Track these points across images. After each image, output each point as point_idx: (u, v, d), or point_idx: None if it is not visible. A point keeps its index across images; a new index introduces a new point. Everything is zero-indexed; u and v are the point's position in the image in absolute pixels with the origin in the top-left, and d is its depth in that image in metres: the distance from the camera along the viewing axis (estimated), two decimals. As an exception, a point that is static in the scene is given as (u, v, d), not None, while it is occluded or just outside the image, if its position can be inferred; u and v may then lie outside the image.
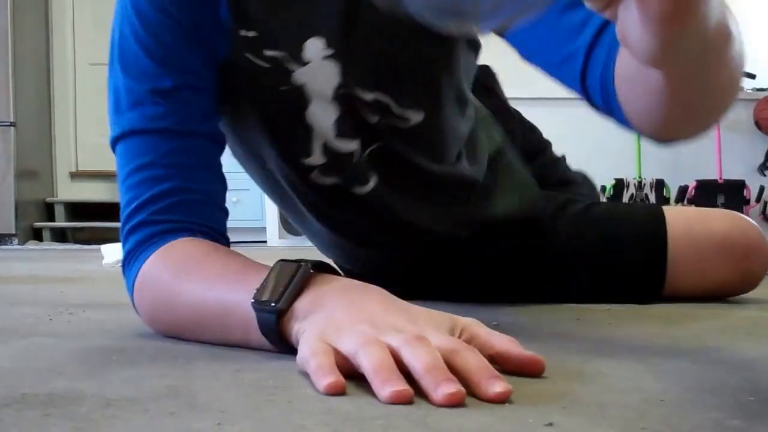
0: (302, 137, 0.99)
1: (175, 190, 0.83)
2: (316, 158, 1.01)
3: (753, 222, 1.20)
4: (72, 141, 5.38)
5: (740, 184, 4.82)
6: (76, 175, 5.42)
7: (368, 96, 0.98)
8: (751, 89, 5.10)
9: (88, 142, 5.31)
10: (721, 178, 4.81)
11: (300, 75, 0.94)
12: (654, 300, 1.16)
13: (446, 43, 0.99)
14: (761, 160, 5.07)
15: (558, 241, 1.18)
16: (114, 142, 0.87)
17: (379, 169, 1.04)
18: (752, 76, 4.72)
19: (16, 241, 4.81)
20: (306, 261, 0.69)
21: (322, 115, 0.97)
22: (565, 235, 1.18)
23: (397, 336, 0.57)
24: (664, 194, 4.83)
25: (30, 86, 5.13)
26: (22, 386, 0.55)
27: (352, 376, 0.55)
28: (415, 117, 1.00)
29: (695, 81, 0.59)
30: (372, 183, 1.04)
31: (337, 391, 0.53)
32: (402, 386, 0.51)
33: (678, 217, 1.19)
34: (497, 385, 0.52)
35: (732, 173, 4.87)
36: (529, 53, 0.78)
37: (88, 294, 1.40)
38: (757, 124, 5.07)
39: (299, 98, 0.95)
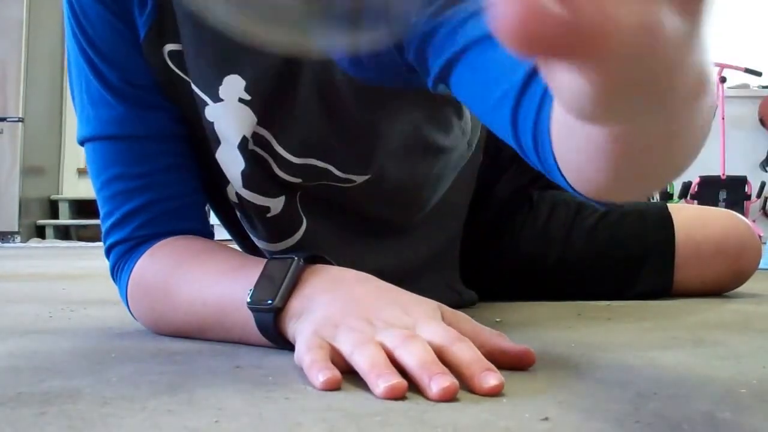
0: (218, 172, 0.90)
1: (151, 203, 0.82)
2: (232, 197, 0.93)
3: (746, 221, 1.25)
4: (82, 137, 5.36)
5: (742, 180, 4.82)
6: (84, 172, 5.40)
7: (296, 160, 0.87)
8: (757, 87, 5.10)
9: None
10: (724, 174, 4.82)
11: (210, 111, 0.84)
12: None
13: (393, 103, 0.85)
14: (764, 156, 5.07)
15: (572, 251, 1.19)
16: (81, 142, 0.85)
17: (310, 213, 0.94)
18: (758, 74, 4.72)
19: (18, 238, 4.82)
20: (297, 255, 0.69)
21: (230, 162, 0.87)
22: (580, 245, 1.19)
23: (391, 334, 0.57)
24: (668, 190, 4.84)
25: (42, 82, 5.12)
26: (18, 384, 0.55)
27: (350, 373, 0.55)
28: (361, 178, 0.90)
29: (650, 139, 0.42)
30: (301, 231, 0.95)
31: (332, 387, 0.53)
32: (396, 379, 0.51)
33: (680, 221, 1.21)
34: (491, 378, 0.52)
35: (735, 169, 4.88)
36: (464, 100, 0.68)
37: (90, 291, 1.40)
38: (762, 121, 5.06)
39: (211, 136, 0.86)
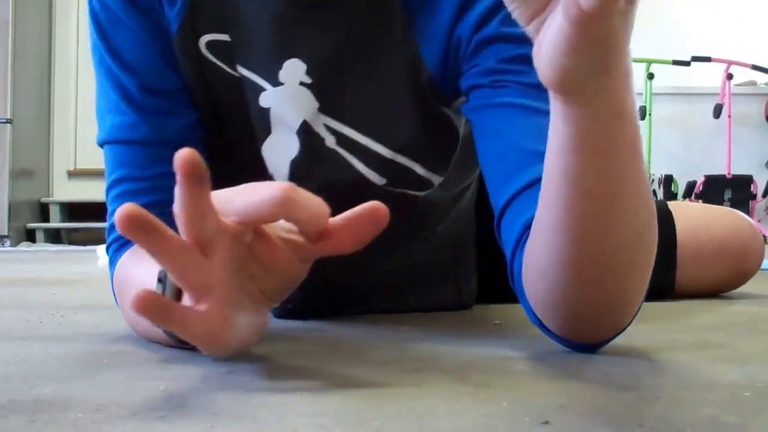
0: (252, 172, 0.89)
1: (153, 204, 0.78)
2: None
3: (749, 220, 1.24)
4: (72, 138, 5.26)
5: (748, 179, 4.82)
6: (75, 174, 5.35)
7: (387, 153, 0.86)
8: (764, 84, 5.09)
9: (89, 138, 5.19)
10: (729, 173, 4.81)
11: (267, 97, 0.84)
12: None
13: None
14: (771, 155, 5.07)
15: None
16: (100, 144, 0.87)
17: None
18: (766, 71, 4.70)
19: (8, 242, 4.79)
20: None
21: (281, 151, 0.86)
22: None
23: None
24: (672, 189, 4.84)
25: (30, 81, 5.07)
26: (9, 392, 0.54)
27: (347, 372, 0.54)
28: (437, 180, 0.91)
29: (595, 220, 0.58)
30: None
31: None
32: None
33: (682, 220, 1.20)
34: None
35: (741, 168, 4.87)
36: (477, 144, 0.78)
37: (81, 296, 1.39)
38: (768, 119, 5.07)
39: (261, 126, 0.86)
